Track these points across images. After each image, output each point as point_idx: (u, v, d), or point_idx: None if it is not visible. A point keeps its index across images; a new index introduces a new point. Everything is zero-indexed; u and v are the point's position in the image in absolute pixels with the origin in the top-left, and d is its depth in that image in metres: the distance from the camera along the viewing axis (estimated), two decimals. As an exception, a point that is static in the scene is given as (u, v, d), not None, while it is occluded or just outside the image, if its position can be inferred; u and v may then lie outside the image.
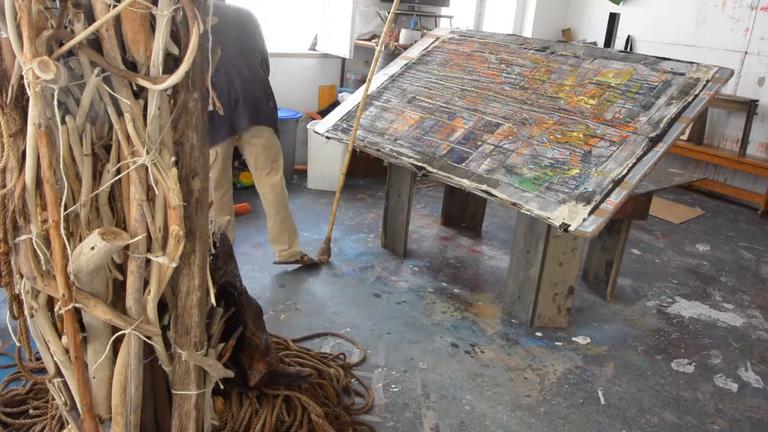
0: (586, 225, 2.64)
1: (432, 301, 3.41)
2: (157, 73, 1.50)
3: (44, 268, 1.58)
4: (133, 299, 1.62)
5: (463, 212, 4.54)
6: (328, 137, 3.93)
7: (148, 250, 1.61)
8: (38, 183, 1.52)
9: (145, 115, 1.54)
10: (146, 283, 1.64)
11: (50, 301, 1.66)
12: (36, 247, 1.56)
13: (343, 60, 5.77)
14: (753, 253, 4.58)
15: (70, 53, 1.48)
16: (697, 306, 3.65)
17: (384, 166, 4.01)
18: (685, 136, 5.88)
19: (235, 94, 3.20)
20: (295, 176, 5.44)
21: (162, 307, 1.71)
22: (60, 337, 1.67)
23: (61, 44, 1.46)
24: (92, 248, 1.48)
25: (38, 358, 2.36)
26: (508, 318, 3.29)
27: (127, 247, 1.59)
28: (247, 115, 3.24)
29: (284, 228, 3.51)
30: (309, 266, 3.67)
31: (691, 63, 3.18)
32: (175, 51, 1.55)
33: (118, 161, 1.58)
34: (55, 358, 1.68)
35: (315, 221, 4.41)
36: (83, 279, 1.55)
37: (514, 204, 2.88)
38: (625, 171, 2.80)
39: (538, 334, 3.16)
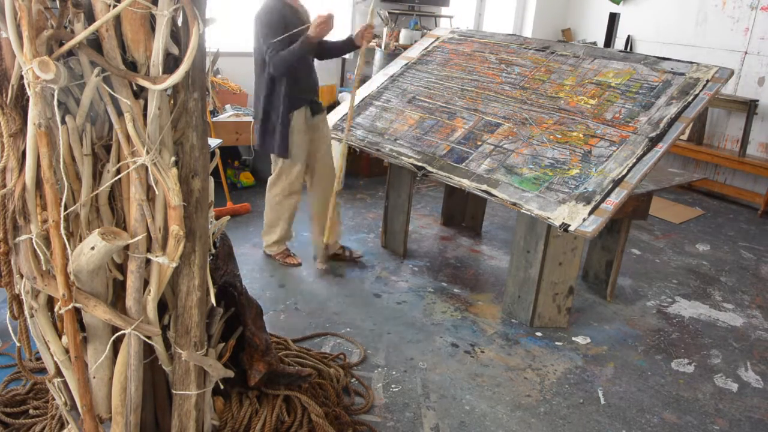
0: (586, 225, 2.64)
1: (432, 301, 3.41)
2: (157, 73, 1.50)
3: (44, 268, 1.58)
4: (133, 299, 1.62)
5: (463, 212, 4.54)
6: (328, 137, 3.93)
7: (148, 250, 1.61)
8: (38, 183, 1.52)
9: (145, 115, 1.54)
10: (146, 283, 1.64)
11: (50, 301, 1.66)
12: (36, 247, 1.56)
13: (343, 60, 5.77)
14: (753, 253, 4.58)
15: (70, 53, 1.48)
16: (697, 306, 3.65)
17: (384, 166, 4.00)
18: (685, 136, 5.88)
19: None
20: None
21: (162, 307, 1.71)
22: (60, 337, 1.67)
23: (61, 44, 1.46)
24: (92, 248, 1.48)
25: (38, 358, 2.36)
26: (508, 318, 3.29)
27: (127, 247, 1.59)
28: None
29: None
30: (309, 267, 3.67)
31: (691, 63, 3.18)
32: (175, 51, 1.55)
33: (118, 161, 1.58)
34: (55, 358, 1.68)
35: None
36: (83, 279, 1.56)
37: (514, 204, 2.88)
38: (625, 171, 2.80)
39: (538, 334, 3.16)
